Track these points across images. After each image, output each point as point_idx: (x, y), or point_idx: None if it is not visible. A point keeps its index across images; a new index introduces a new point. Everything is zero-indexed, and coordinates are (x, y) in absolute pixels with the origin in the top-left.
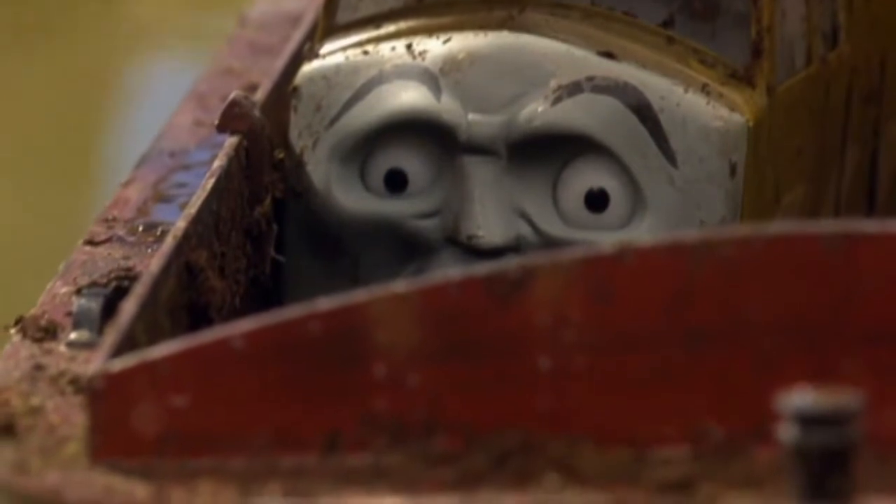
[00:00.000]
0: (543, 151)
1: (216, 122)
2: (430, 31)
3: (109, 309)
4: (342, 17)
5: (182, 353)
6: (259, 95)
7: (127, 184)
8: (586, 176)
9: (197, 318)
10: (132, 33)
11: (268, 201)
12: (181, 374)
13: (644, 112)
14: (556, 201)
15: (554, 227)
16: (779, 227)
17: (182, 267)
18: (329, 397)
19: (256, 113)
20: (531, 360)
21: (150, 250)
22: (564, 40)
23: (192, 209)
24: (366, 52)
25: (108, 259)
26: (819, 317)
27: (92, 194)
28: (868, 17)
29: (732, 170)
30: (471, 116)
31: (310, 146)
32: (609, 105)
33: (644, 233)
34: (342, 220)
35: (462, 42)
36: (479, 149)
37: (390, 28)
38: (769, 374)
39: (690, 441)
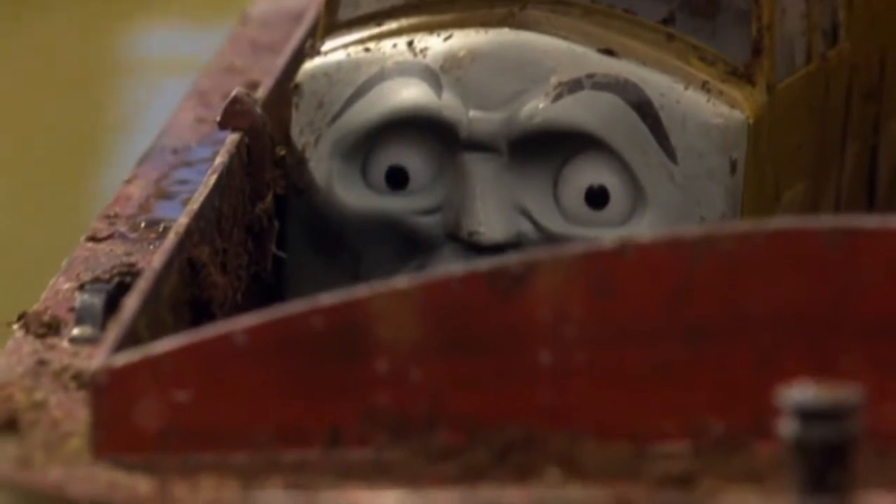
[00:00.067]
0: (544, 148)
1: (218, 119)
2: (431, 29)
3: (112, 305)
4: (344, 14)
5: (184, 349)
6: (261, 93)
7: (129, 181)
8: (587, 173)
9: (199, 313)
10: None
11: (269, 198)
12: (184, 369)
13: (644, 109)
14: (556, 198)
15: (555, 224)
16: (779, 222)
17: (184, 263)
18: (331, 392)
19: (258, 110)
20: (532, 355)
21: (152, 246)
22: (565, 37)
23: (195, 205)
24: (367, 50)
25: (110, 255)
26: (819, 312)
27: (93, 191)
28: (868, 15)
29: (732, 167)
30: (472, 113)
31: (311, 143)
32: (609, 102)
33: (644, 229)
34: (344, 216)
35: (463, 39)
36: (480, 146)
37: (392, 25)
38: (769, 368)
39: (691, 436)
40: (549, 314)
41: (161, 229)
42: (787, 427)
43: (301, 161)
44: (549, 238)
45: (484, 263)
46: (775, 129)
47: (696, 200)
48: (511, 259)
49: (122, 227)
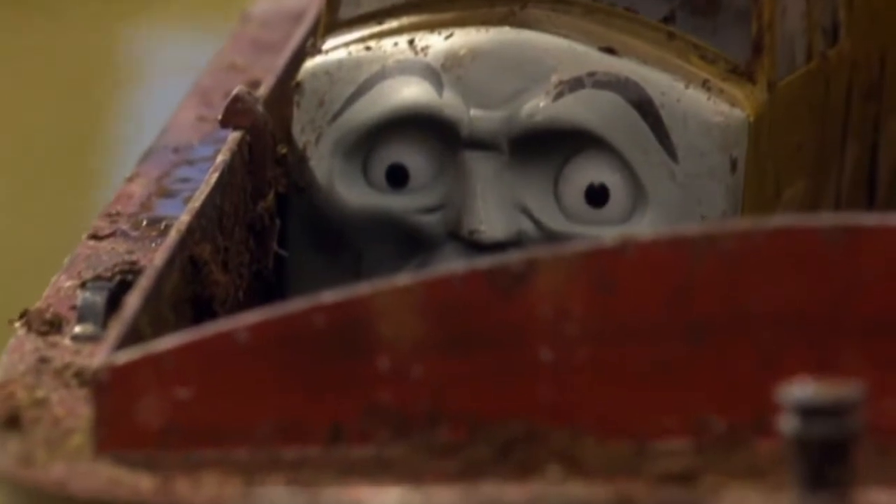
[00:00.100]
0: (545, 147)
1: (219, 117)
2: (432, 27)
3: (114, 302)
4: (345, 12)
5: (186, 346)
6: (262, 91)
7: (131, 179)
8: (588, 171)
9: (201, 311)
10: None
11: (271, 196)
12: (185, 366)
13: (645, 107)
14: (557, 196)
15: (555, 222)
16: (779, 220)
17: (186, 261)
18: (333, 389)
19: (259, 108)
20: (533, 353)
21: (153, 244)
22: (566, 36)
23: (196, 203)
24: (368, 48)
25: (112, 253)
26: (819, 309)
27: (94, 189)
28: (868, 14)
29: (733, 165)
30: (473, 112)
31: (313, 141)
32: (610, 100)
33: (645, 228)
34: (345, 214)
35: (464, 38)
36: (480, 144)
37: (393, 24)
38: (770, 366)
39: (692, 433)
40: (550, 312)
41: (163, 227)
42: (787, 424)
43: (302, 159)
44: (549, 236)
45: (485, 261)
46: (776, 127)
47: (696, 199)
48: (512, 257)
49: (123, 225)
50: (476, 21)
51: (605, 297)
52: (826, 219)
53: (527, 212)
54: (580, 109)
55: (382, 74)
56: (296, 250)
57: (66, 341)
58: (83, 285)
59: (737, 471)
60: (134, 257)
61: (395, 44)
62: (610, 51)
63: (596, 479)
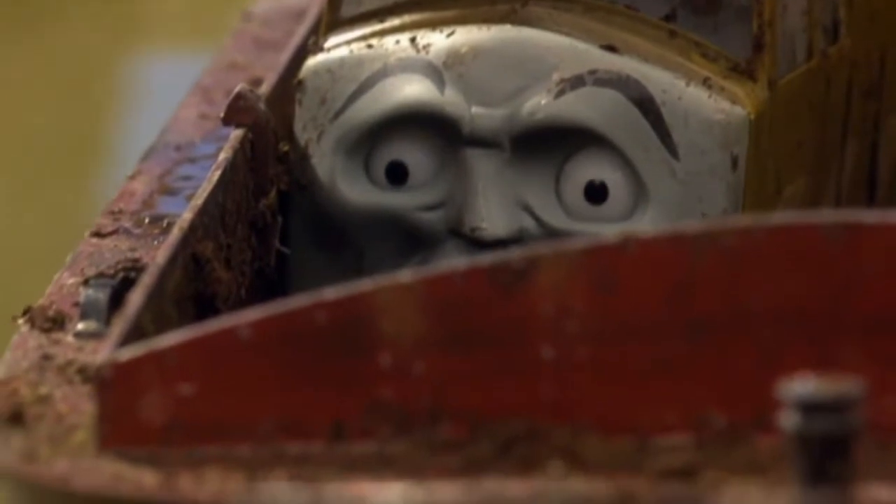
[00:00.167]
0: (546, 144)
1: (221, 115)
2: (433, 25)
3: (116, 299)
4: (346, 11)
5: (189, 343)
6: (264, 89)
7: (133, 177)
8: (589, 169)
9: (203, 308)
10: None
11: (273, 194)
12: (188, 363)
13: (646, 105)
14: (558, 194)
15: (557, 220)
16: (780, 217)
17: (188, 258)
18: (335, 386)
19: (261, 106)
20: (535, 350)
21: (156, 242)
22: (567, 34)
23: (199, 201)
24: (370, 46)
25: (114, 250)
26: (820, 306)
27: (95, 187)
28: (868, 12)
29: (734, 162)
30: (474, 109)
31: (314, 139)
32: (611, 98)
33: (646, 225)
34: (346, 212)
35: (465, 36)
36: (482, 142)
37: (394, 22)
38: (770, 362)
39: (693, 429)
40: (552, 309)
41: (165, 225)
42: (788, 420)
43: (304, 157)
44: (551, 234)
45: (486, 258)
46: (776, 125)
47: (697, 196)
48: (513, 254)
49: (126, 223)
50: (478, 19)
51: (606, 294)
52: (827, 216)
53: (528, 209)
54: (581, 107)
55: (384, 72)
56: (298, 248)
57: (70, 338)
58: (86, 282)
59: (737, 466)
60: (137, 255)
61: (397, 42)
62: (611, 49)
63: (597, 475)
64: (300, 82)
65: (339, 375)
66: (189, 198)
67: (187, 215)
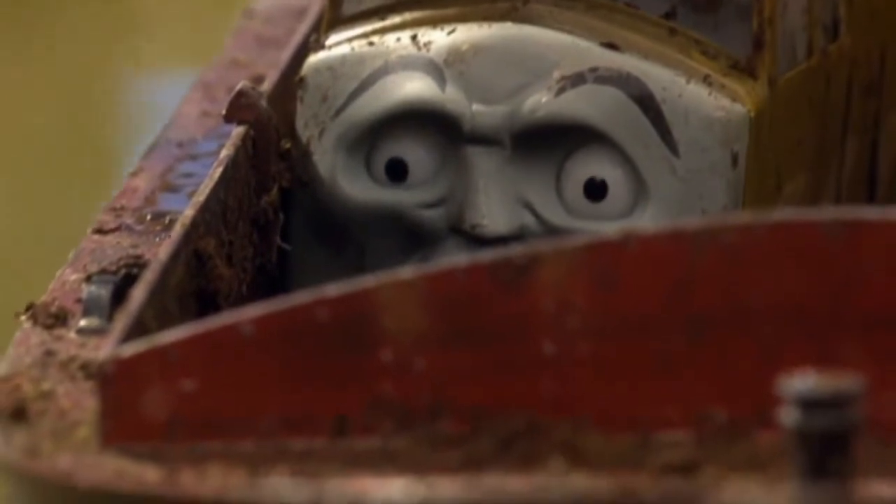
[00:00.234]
0: (547, 142)
1: (223, 112)
2: (434, 23)
3: (119, 296)
4: (348, 8)
5: (191, 339)
6: (266, 86)
7: (135, 174)
8: (589, 166)
9: (205, 304)
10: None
11: (274, 191)
12: (191, 359)
13: (647, 103)
14: (559, 191)
15: (558, 217)
16: (780, 214)
17: (190, 255)
18: (337, 382)
19: (263, 103)
20: (536, 346)
21: (158, 239)
22: (568, 31)
23: (200, 198)
24: (371, 44)
25: (116, 247)
26: (820, 303)
27: (96, 185)
28: (868, 10)
29: (734, 160)
30: (475, 107)
31: (316, 136)
32: (612, 96)
33: (646, 222)
34: (348, 209)
35: (466, 33)
36: (482, 139)
37: (395, 19)
38: (771, 359)
39: (694, 425)
40: (553, 305)
41: (167, 222)
42: (788, 416)
43: (306, 154)
44: (551, 231)
45: (488, 254)
46: (776, 122)
47: (698, 194)
48: (514, 250)
49: (128, 220)
50: (478, 17)
51: (606, 290)
52: (827, 212)
53: (529, 206)
54: (582, 104)
55: (385, 70)
56: (299, 245)
57: (72, 334)
58: (88, 279)
59: (738, 462)
60: (139, 251)
61: (398, 39)
62: (612, 46)
63: (598, 471)
64: (302, 79)
65: (340, 371)
66: (191, 195)
67: (189, 212)
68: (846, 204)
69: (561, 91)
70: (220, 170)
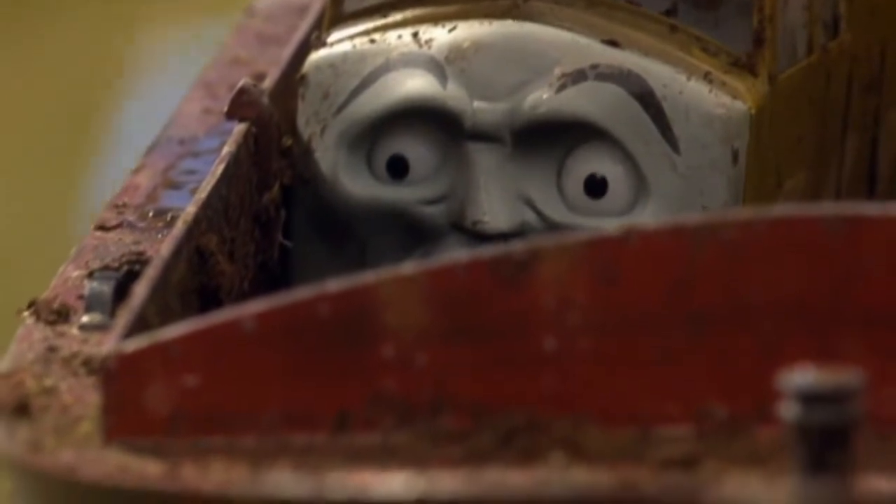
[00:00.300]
0: (548, 138)
1: (225, 109)
2: (436, 20)
3: (121, 292)
4: (349, 6)
5: (194, 334)
6: (267, 83)
7: (137, 171)
8: (590, 162)
9: (207, 301)
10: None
11: (276, 187)
12: (193, 354)
13: (647, 100)
14: (560, 188)
15: (558, 214)
16: (780, 210)
17: (192, 251)
18: (338, 377)
19: (265, 101)
20: (537, 341)
21: (160, 235)
22: (569, 29)
23: (202, 195)
24: (372, 41)
25: (119, 244)
26: (820, 298)
27: (96, 183)
28: (868, 7)
29: (735, 157)
30: (476, 104)
31: (317, 133)
32: (613, 93)
33: (647, 219)
34: (349, 206)
35: (467, 31)
36: (483, 136)
37: (397, 17)
38: (771, 354)
39: (694, 420)
40: (553, 301)
41: (169, 218)
42: (788, 410)
43: (307, 151)
44: (552, 228)
45: (488, 250)
46: (777, 119)
47: (698, 190)
48: (515, 246)
49: (130, 217)
50: (479, 14)
51: (607, 286)
52: (827, 208)
53: (530, 203)
54: (583, 101)
55: (386, 67)
56: (301, 241)
57: (74, 330)
58: (91, 275)
59: (738, 457)
60: (141, 248)
61: (399, 36)
62: (612, 43)
63: (599, 465)
64: (303, 77)
65: (342, 367)
66: (193, 192)
67: (191, 209)
68: (846, 201)
69: (562, 88)
70: (221, 167)
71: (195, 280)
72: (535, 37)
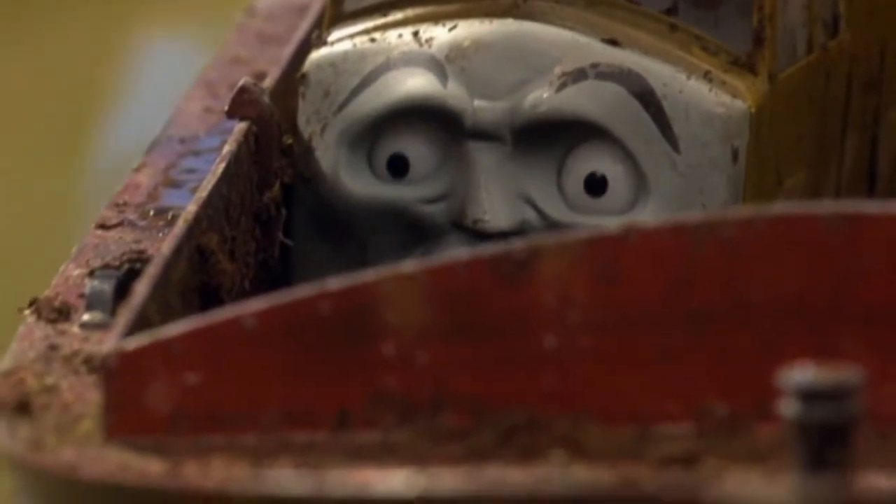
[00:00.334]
0: (548, 137)
1: (226, 108)
2: (436, 19)
3: (122, 291)
4: (350, 4)
5: (194, 332)
6: (268, 82)
7: (137, 169)
8: (590, 161)
9: (208, 299)
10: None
11: (277, 186)
12: (194, 352)
13: (647, 98)
14: (560, 187)
15: (559, 212)
16: (780, 208)
17: (193, 250)
18: (339, 375)
19: (266, 99)
20: (537, 339)
21: (160, 234)
22: (569, 28)
23: (203, 193)
24: (373, 40)
25: (119, 242)
26: (820, 296)
27: (97, 182)
28: (868, 6)
29: (734, 155)
30: (476, 103)
31: (318, 132)
32: (613, 91)
33: (647, 217)
34: (350, 204)
35: (468, 29)
36: (484, 135)
37: (397, 16)
38: (771, 352)
39: (694, 418)
40: (554, 299)
41: (170, 217)
42: (788, 408)
43: (308, 150)
44: (552, 226)
45: (489, 248)
46: (777, 118)
47: (698, 189)
48: (515, 244)
49: (131, 215)
50: (480, 13)
51: (607, 284)
52: (827, 206)
53: (530, 202)
54: (583, 100)
55: (387, 66)
56: (301, 240)
57: (75, 329)
58: (91, 274)
59: (738, 454)
60: (141, 246)
61: (400, 35)
62: (613, 42)
63: (599, 463)
64: (304, 76)
65: (342, 365)
66: (193, 190)
67: (192, 208)
68: (846, 199)
69: (562, 87)
70: (222, 165)
71: (196, 278)
72: (535, 36)
